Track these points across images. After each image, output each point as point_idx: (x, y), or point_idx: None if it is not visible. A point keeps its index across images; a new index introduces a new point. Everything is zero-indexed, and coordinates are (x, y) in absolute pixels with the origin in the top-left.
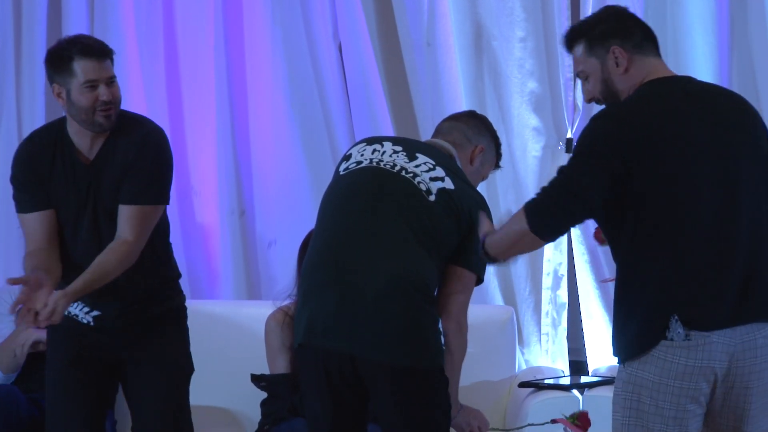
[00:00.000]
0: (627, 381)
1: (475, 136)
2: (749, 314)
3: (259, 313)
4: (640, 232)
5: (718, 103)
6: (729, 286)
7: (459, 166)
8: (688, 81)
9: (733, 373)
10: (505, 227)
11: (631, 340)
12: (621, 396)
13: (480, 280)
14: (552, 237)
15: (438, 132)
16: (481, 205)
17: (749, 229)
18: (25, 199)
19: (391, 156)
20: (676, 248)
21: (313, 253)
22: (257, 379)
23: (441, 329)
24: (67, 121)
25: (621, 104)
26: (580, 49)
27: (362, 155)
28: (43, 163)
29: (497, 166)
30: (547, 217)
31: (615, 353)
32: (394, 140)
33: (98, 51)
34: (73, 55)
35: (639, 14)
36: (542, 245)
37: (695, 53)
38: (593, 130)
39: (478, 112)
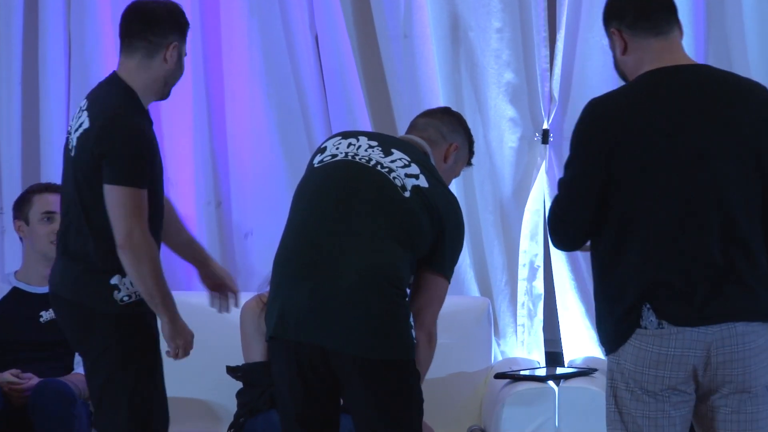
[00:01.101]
0: (611, 370)
1: (450, 133)
2: (727, 314)
3: None
4: (615, 224)
5: (711, 101)
6: (699, 282)
7: (433, 164)
8: (692, 71)
9: (712, 363)
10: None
11: (610, 330)
12: (608, 385)
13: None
14: (567, 248)
15: (413, 128)
16: (453, 205)
17: (727, 228)
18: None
19: (366, 150)
20: (648, 242)
21: (286, 246)
22: (233, 371)
23: (412, 323)
24: None
25: (607, 100)
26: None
27: (337, 149)
28: None
29: (469, 163)
30: (556, 238)
31: (600, 345)
32: (370, 135)
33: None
34: None
35: None
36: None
37: None
38: (578, 133)
39: (455, 103)
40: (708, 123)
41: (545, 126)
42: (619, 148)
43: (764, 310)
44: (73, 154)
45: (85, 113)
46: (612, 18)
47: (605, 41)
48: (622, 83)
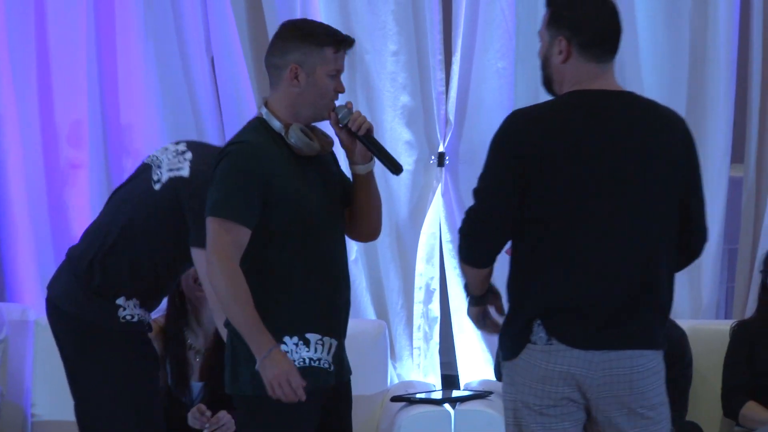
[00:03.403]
0: (505, 382)
1: None
2: (616, 342)
3: None
4: (528, 236)
5: (637, 128)
6: (599, 309)
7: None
8: (620, 97)
9: (596, 383)
10: None
11: (507, 343)
12: (503, 397)
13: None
14: (481, 263)
15: None
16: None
17: (639, 258)
18: None
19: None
20: (550, 264)
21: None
22: None
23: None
24: None
25: (532, 113)
26: (546, 13)
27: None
28: None
29: None
30: (467, 247)
31: (501, 356)
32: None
33: None
34: None
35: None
36: (484, 272)
37: None
38: (498, 141)
39: None
40: (632, 149)
41: (441, 149)
42: (537, 162)
43: (657, 340)
44: (157, 187)
45: (187, 164)
46: (564, 27)
47: (500, 64)
48: (515, 107)
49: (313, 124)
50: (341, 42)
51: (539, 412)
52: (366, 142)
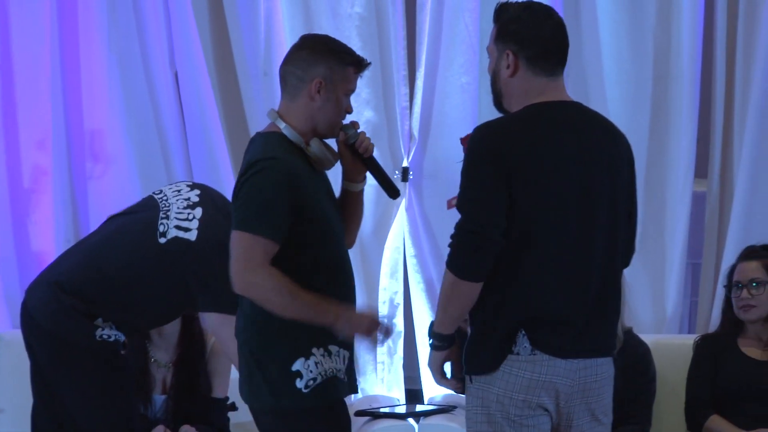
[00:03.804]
0: (476, 396)
1: None
2: (595, 349)
3: None
4: (507, 254)
5: (594, 139)
6: (576, 317)
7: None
8: (571, 108)
9: (576, 390)
10: (440, 293)
11: (485, 355)
12: (472, 412)
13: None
14: (479, 275)
15: None
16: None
17: (601, 268)
18: None
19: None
20: (529, 274)
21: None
22: None
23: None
24: None
25: (503, 125)
26: (494, 29)
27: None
28: None
29: None
30: (462, 259)
31: (466, 371)
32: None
33: None
34: None
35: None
36: (478, 288)
37: None
38: (476, 152)
39: None
40: (594, 160)
41: (405, 164)
42: (515, 174)
43: (613, 346)
44: (162, 241)
45: (196, 223)
46: (511, 41)
47: (464, 79)
48: (479, 123)
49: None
50: (360, 63)
51: (519, 423)
52: (369, 165)
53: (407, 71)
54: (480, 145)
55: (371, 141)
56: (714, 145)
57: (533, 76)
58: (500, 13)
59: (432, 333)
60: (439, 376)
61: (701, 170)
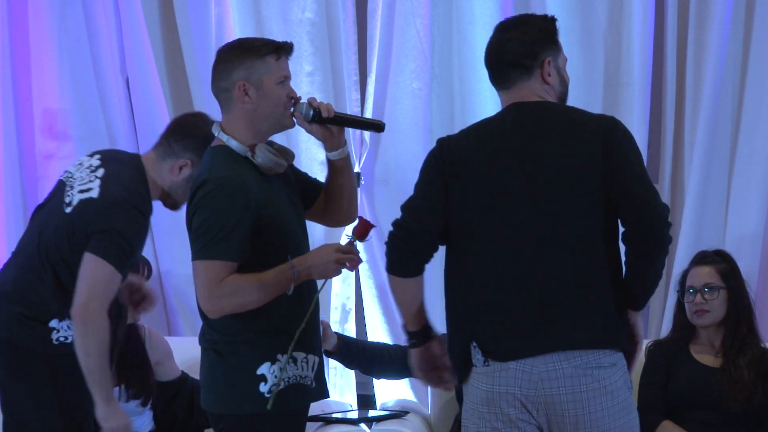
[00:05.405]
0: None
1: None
2: (549, 343)
3: None
4: (450, 261)
5: (548, 137)
6: (520, 316)
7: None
8: (524, 109)
9: (542, 401)
10: None
11: (455, 367)
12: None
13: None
14: (406, 271)
15: None
16: None
17: (548, 260)
18: None
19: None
20: (473, 280)
21: None
22: None
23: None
24: None
25: (450, 136)
26: None
27: None
28: None
29: None
30: (393, 255)
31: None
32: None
33: None
34: None
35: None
36: (412, 283)
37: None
38: (426, 160)
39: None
40: (537, 159)
41: (356, 169)
42: (457, 174)
43: (594, 338)
44: (68, 211)
45: (98, 182)
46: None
47: (415, 85)
48: (431, 128)
49: (271, 138)
50: (280, 48)
51: (489, 430)
52: (341, 122)
53: (358, 77)
54: (431, 153)
55: (323, 102)
56: (665, 151)
57: (498, 90)
58: None
59: (404, 332)
60: (421, 374)
61: (652, 176)
